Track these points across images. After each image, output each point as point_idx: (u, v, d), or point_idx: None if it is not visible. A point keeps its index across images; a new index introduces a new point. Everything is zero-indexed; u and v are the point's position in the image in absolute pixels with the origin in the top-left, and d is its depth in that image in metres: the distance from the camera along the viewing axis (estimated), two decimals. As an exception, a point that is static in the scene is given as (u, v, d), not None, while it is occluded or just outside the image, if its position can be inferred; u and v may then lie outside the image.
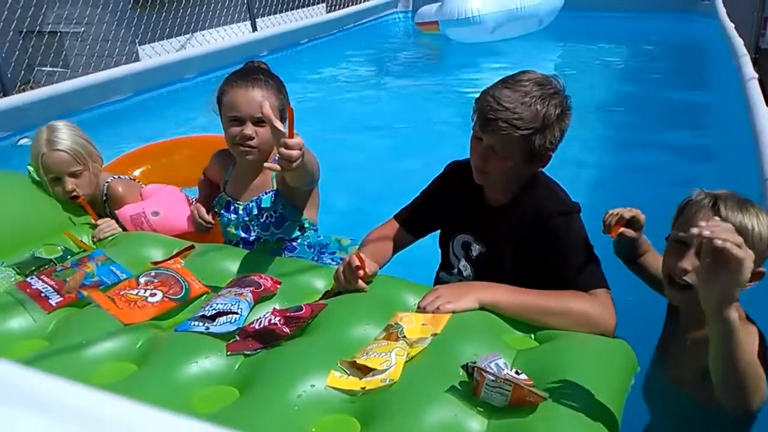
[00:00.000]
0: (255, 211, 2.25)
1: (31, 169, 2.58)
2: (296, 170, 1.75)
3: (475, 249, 1.96)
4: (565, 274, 1.75)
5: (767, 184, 2.50)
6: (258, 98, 2.09)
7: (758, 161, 2.80)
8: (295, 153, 1.66)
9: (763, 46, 6.57)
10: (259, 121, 2.11)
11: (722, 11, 7.16)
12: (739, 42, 5.48)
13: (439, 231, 2.13)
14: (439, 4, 8.23)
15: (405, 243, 2.14)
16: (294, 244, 2.31)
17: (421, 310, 1.69)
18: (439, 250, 2.13)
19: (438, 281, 2.13)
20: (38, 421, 0.53)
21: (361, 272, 1.77)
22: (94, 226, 2.39)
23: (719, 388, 1.36)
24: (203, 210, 2.39)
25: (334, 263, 2.41)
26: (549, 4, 8.44)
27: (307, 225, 2.32)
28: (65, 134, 2.45)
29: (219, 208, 2.33)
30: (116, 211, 2.51)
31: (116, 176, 2.66)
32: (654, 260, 1.88)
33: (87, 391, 0.58)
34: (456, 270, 2.03)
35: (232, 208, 2.29)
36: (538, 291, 1.72)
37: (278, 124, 1.70)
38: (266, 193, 2.23)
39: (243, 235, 2.29)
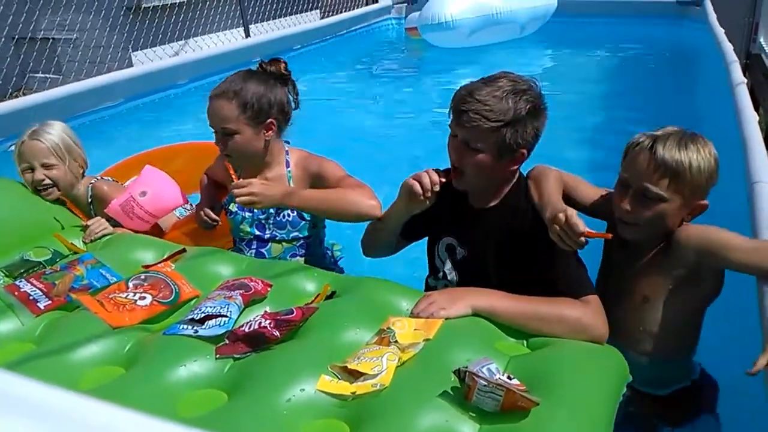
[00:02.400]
0: (272, 210, 2.27)
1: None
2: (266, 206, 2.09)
3: (459, 253, 1.98)
4: (554, 280, 1.75)
5: (754, 187, 2.51)
6: (217, 111, 2.14)
7: (745, 164, 2.83)
8: (241, 196, 2.01)
9: (754, 52, 6.61)
10: (224, 132, 2.16)
11: (713, 17, 7.19)
12: (728, 47, 5.51)
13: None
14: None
15: (397, 246, 2.16)
16: (307, 241, 2.34)
17: (414, 315, 1.69)
18: (427, 257, 2.13)
19: (427, 286, 2.13)
20: (23, 425, 0.52)
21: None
22: (85, 228, 2.37)
23: None
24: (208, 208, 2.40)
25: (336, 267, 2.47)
26: (532, 12, 8.45)
27: (318, 223, 2.36)
28: (53, 130, 2.46)
29: (232, 207, 2.34)
30: (105, 210, 2.49)
31: (99, 177, 2.65)
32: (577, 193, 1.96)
33: (73, 395, 0.57)
34: (441, 273, 2.03)
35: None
36: (532, 298, 1.71)
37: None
38: None
39: (257, 232, 2.31)
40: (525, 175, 1.97)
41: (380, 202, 2.06)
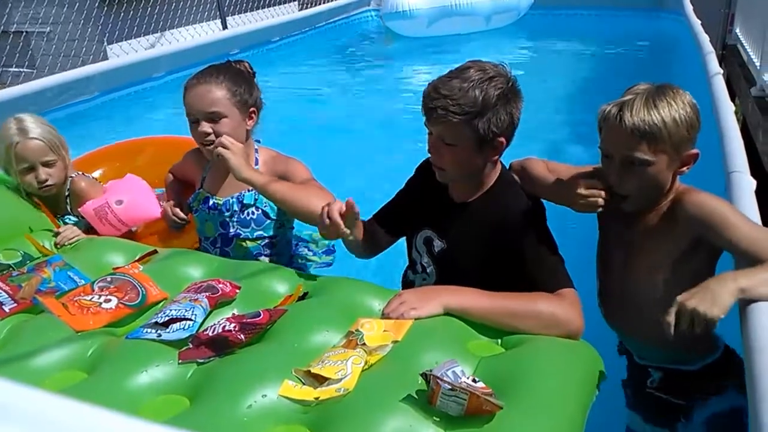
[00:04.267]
0: (236, 207, 2.24)
1: None
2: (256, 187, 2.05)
3: (437, 245, 1.94)
4: (530, 273, 1.73)
5: (731, 177, 2.52)
6: (205, 94, 2.10)
7: (722, 154, 2.83)
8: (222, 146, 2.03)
9: (730, 43, 6.64)
10: (211, 117, 2.11)
11: (689, 8, 7.22)
12: (705, 38, 5.53)
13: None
14: None
15: (385, 242, 2.14)
16: (273, 241, 2.30)
17: (384, 316, 1.65)
18: (406, 251, 2.11)
19: (404, 279, 2.12)
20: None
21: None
22: (56, 234, 2.32)
23: None
24: (176, 207, 2.37)
25: (311, 253, 2.45)
26: (496, 5, 8.45)
27: (286, 223, 2.32)
28: (35, 124, 2.41)
29: (197, 204, 2.32)
30: (79, 209, 2.46)
31: (79, 173, 2.61)
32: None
33: (45, 395, 0.55)
34: (419, 266, 2.01)
35: (211, 203, 2.28)
36: (505, 294, 1.68)
37: None
38: (249, 190, 2.22)
39: (221, 231, 2.28)
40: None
41: None
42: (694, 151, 1.66)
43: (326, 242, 2.57)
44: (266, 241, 2.28)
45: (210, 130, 2.11)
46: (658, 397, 1.83)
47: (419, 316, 1.62)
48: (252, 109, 2.20)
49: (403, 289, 2.09)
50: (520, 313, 1.64)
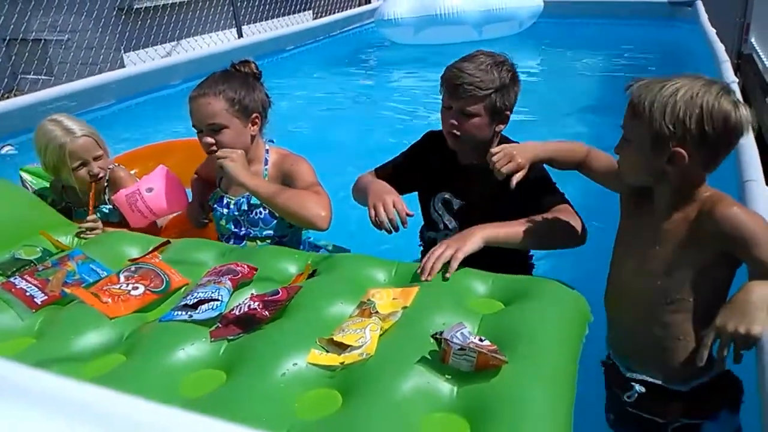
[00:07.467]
0: (245, 207, 2.30)
1: (25, 175, 2.63)
2: None
3: (456, 204, 2.21)
4: (541, 208, 1.98)
5: (746, 186, 2.53)
6: (204, 107, 2.16)
7: (737, 163, 2.83)
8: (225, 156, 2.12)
9: (746, 52, 6.65)
10: (212, 128, 2.17)
11: (704, 17, 7.23)
12: (720, 47, 5.54)
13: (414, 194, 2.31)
14: None
15: None
16: (282, 240, 2.34)
17: (432, 261, 1.78)
18: (421, 213, 2.33)
19: (424, 238, 2.38)
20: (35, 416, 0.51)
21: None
22: (83, 230, 2.37)
23: None
24: (198, 207, 2.45)
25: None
26: (489, 15, 8.33)
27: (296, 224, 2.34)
28: (75, 123, 2.50)
29: (213, 203, 2.39)
30: (112, 197, 2.54)
31: (117, 165, 2.70)
32: (597, 161, 1.98)
33: (86, 386, 0.56)
34: (442, 225, 2.25)
35: (224, 202, 2.35)
36: (527, 219, 1.92)
37: None
38: None
39: (234, 229, 2.34)
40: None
41: (330, 215, 2.09)
42: (678, 150, 1.46)
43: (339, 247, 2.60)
44: (276, 240, 2.32)
45: (212, 141, 2.18)
46: (638, 415, 1.69)
47: (466, 252, 1.81)
48: (255, 114, 2.23)
49: (425, 246, 2.38)
50: (548, 233, 1.90)
